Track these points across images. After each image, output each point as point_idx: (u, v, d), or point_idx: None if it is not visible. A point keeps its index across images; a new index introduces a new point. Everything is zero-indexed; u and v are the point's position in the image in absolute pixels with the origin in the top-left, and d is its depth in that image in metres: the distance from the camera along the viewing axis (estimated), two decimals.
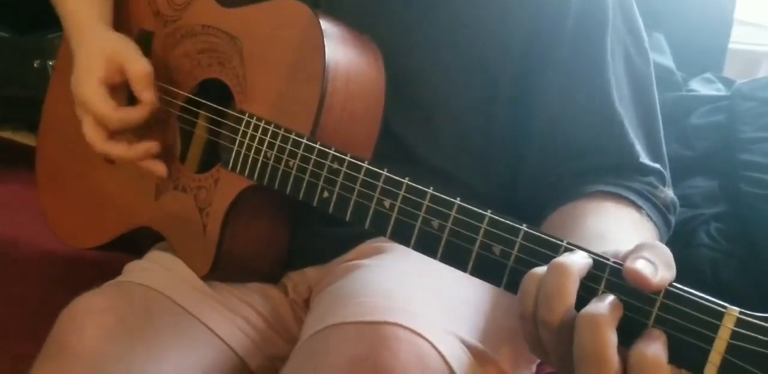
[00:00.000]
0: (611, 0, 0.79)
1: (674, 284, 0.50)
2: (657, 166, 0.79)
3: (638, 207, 0.74)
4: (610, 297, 0.50)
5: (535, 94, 0.79)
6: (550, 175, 0.78)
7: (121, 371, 0.70)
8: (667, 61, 1.59)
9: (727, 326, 0.48)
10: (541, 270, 0.51)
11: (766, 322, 0.47)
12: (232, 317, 0.80)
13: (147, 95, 0.82)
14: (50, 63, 1.11)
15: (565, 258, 0.50)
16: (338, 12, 0.78)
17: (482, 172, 0.83)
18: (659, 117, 0.82)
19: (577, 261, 0.50)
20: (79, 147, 0.89)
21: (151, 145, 0.83)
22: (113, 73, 0.83)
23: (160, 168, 0.83)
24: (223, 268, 0.79)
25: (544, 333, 0.50)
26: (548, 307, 0.49)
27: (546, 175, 0.79)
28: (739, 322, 0.48)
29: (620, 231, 0.67)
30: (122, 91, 0.84)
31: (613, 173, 0.76)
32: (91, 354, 0.70)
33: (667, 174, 0.80)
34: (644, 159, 0.78)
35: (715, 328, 0.48)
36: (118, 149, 0.83)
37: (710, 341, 0.48)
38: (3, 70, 1.32)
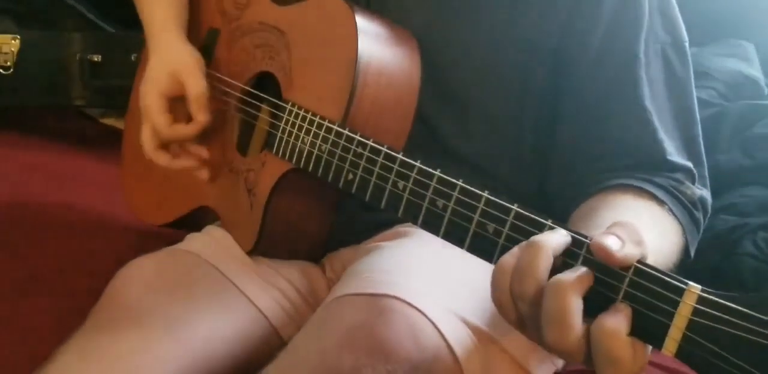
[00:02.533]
0: (648, 2, 0.81)
1: (644, 262, 0.52)
2: (687, 163, 0.79)
3: (660, 202, 0.75)
4: (581, 269, 0.53)
5: (564, 89, 0.82)
6: (576, 171, 0.81)
7: (159, 323, 0.77)
8: (754, 70, 1.56)
9: (688, 302, 0.50)
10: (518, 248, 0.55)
11: (727, 300, 0.49)
12: (270, 289, 0.86)
13: (201, 116, 0.88)
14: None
15: (541, 236, 0.54)
16: (385, 4, 0.83)
17: (513, 165, 0.86)
18: (697, 118, 0.83)
19: (552, 239, 0.54)
20: None
21: (190, 163, 0.90)
22: (175, 87, 0.90)
23: (203, 175, 0.91)
24: (266, 245, 0.86)
25: (520, 305, 0.54)
26: (520, 280, 0.53)
27: (572, 171, 0.81)
28: (701, 300, 0.49)
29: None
30: (184, 102, 0.90)
31: (638, 169, 0.77)
32: (135, 306, 0.79)
33: (698, 172, 0.80)
34: (673, 156, 0.79)
35: (676, 304, 0.50)
36: (161, 160, 0.91)
37: (670, 316, 0.50)
38: (108, 63, 1.47)
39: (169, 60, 0.91)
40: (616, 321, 0.50)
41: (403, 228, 0.84)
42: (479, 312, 0.72)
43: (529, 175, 0.86)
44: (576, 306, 0.51)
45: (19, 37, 1.44)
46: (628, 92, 0.79)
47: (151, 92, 0.90)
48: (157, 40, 0.94)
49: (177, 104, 0.90)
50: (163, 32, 0.94)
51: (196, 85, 0.88)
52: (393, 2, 0.86)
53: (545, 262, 0.52)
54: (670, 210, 0.75)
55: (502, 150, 0.85)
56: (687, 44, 0.83)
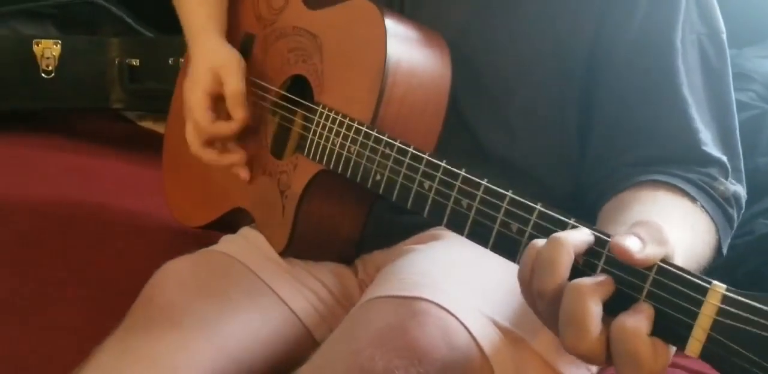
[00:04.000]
0: None
1: (667, 261, 0.52)
2: (721, 157, 0.78)
3: (692, 199, 0.73)
4: (602, 275, 0.52)
5: (600, 80, 0.81)
6: (609, 164, 0.80)
7: (194, 324, 0.79)
8: None
9: (712, 302, 0.49)
10: (542, 242, 0.55)
11: (752, 300, 0.48)
12: (303, 290, 0.87)
13: (238, 113, 0.90)
14: (181, 60, 1.25)
15: (563, 233, 0.54)
16: (419, 4, 0.84)
17: (558, 167, 0.85)
18: (734, 110, 0.81)
19: (575, 237, 0.53)
20: None
21: (237, 158, 0.92)
22: (216, 85, 0.92)
23: (244, 174, 0.93)
24: (298, 246, 0.87)
25: (539, 301, 0.54)
26: (540, 277, 0.53)
27: (605, 165, 0.80)
28: (725, 299, 0.49)
29: (665, 220, 0.65)
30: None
31: (671, 163, 0.76)
32: (171, 307, 0.80)
33: (732, 166, 0.79)
34: (708, 147, 0.77)
35: (699, 304, 0.49)
36: (209, 156, 0.93)
37: (694, 316, 0.49)
38: (146, 67, 1.50)
39: (211, 59, 0.93)
40: (637, 321, 0.50)
41: (436, 231, 0.84)
42: (511, 314, 0.72)
43: (569, 176, 0.85)
44: (595, 310, 0.50)
45: (60, 42, 1.48)
46: (666, 81, 0.78)
47: (194, 90, 0.92)
48: (198, 41, 0.96)
49: (220, 103, 0.92)
50: (203, 33, 0.96)
51: (233, 83, 0.90)
52: (428, 2, 0.86)
53: (566, 259, 0.52)
54: (702, 207, 0.73)
55: (548, 152, 0.85)
56: (724, 36, 0.82)
